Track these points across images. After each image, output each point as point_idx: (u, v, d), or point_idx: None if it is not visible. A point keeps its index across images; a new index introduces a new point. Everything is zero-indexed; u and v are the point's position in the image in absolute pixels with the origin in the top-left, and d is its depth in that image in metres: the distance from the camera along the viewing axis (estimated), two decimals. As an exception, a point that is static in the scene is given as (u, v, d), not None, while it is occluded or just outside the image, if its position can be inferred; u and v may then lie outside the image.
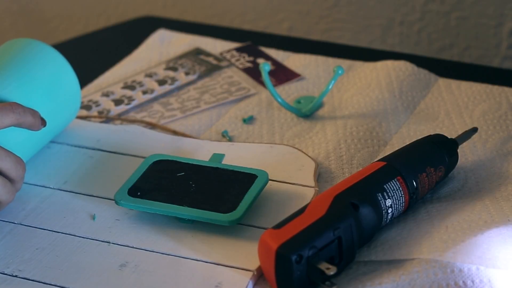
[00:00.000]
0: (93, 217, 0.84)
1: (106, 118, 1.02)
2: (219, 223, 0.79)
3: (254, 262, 0.76)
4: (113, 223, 0.83)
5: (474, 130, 0.89)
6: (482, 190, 0.85)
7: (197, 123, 1.00)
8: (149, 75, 1.11)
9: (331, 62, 1.12)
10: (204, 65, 1.13)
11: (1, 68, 0.88)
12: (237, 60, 1.14)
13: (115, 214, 0.84)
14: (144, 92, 1.07)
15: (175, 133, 0.98)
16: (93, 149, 0.94)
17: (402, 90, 1.03)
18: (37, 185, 0.89)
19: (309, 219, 0.74)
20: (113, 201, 0.84)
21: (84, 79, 1.09)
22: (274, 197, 0.85)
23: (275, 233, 0.74)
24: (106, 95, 1.07)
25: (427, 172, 0.82)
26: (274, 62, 1.13)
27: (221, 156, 0.88)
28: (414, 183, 0.81)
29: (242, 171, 0.85)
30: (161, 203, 0.81)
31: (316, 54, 1.14)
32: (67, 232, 0.82)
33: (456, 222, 0.79)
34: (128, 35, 1.28)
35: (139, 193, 0.82)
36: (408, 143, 0.86)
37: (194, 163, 0.86)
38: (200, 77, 1.10)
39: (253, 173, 0.84)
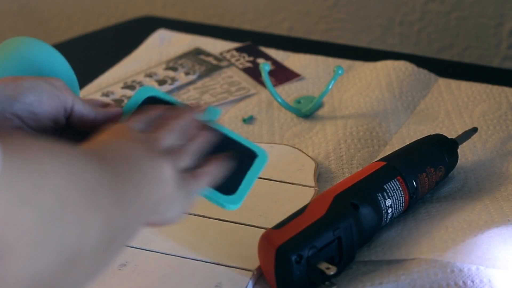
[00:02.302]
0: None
1: (106, 118, 1.01)
2: (217, 204, 0.77)
3: (254, 262, 0.76)
4: (113, 223, 0.83)
5: (474, 130, 0.89)
6: (482, 190, 0.85)
7: (197, 123, 1.00)
8: (149, 75, 1.11)
9: (331, 62, 1.12)
10: (204, 65, 1.13)
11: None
12: (237, 60, 1.14)
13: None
14: (144, 92, 1.07)
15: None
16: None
17: (402, 90, 1.03)
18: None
19: (309, 219, 0.74)
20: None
21: (84, 79, 1.09)
22: (274, 197, 0.85)
23: (275, 233, 0.74)
24: (106, 95, 1.07)
25: (427, 172, 0.82)
26: (274, 62, 1.13)
27: (217, 111, 0.80)
28: (414, 183, 0.80)
29: (241, 142, 0.79)
30: None
31: (316, 54, 1.14)
32: (67, 232, 0.82)
33: (456, 222, 0.79)
34: (128, 35, 1.28)
35: None
36: (408, 143, 0.86)
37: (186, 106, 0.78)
38: (200, 77, 1.10)
39: (253, 149, 0.80)
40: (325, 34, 1.48)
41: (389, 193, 0.79)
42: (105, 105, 0.74)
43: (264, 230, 0.75)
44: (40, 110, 0.69)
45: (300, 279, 0.72)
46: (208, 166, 0.68)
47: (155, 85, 1.08)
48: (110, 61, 1.16)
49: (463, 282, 0.71)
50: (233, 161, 0.75)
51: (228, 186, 0.75)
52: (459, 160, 0.86)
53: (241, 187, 0.75)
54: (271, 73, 1.09)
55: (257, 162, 0.79)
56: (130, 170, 0.59)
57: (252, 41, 1.19)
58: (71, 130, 0.72)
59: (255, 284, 0.76)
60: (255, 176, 0.77)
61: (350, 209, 0.76)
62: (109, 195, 0.56)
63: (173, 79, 1.10)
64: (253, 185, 0.76)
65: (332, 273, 0.71)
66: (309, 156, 0.90)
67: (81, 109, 0.71)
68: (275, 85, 1.07)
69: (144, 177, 0.60)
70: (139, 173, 0.60)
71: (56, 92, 0.70)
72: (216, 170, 0.69)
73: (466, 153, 0.91)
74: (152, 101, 0.77)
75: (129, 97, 1.06)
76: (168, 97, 0.79)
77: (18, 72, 0.89)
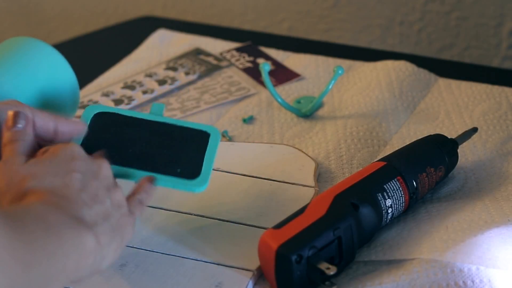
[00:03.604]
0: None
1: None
2: (186, 190, 0.77)
3: (254, 262, 0.76)
4: (113, 223, 0.83)
5: (474, 130, 0.89)
6: (482, 190, 0.85)
7: (197, 123, 1.00)
8: (149, 75, 1.11)
9: (331, 62, 1.12)
10: (204, 65, 1.13)
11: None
12: (237, 60, 1.14)
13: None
14: (144, 92, 1.07)
15: (175, 133, 0.98)
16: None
17: (402, 90, 1.03)
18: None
19: (309, 219, 0.74)
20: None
21: (84, 79, 1.09)
22: (274, 197, 0.85)
23: (275, 233, 0.74)
24: (106, 95, 1.07)
25: (427, 172, 0.82)
26: (274, 62, 1.13)
27: (161, 106, 0.84)
28: (414, 183, 0.80)
29: (191, 127, 0.81)
30: (120, 167, 0.76)
31: (316, 54, 1.14)
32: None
33: (456, 222, 0.79)
34: (128, 35, 1.27)
35: (89, 153, 0.76)
36: (408, 143, 0.86)
37: (139, 117, 0.82)
38: (200, 77, 1.10)
39: (204, 130, 0.81)
40: (325, 34, 1.48)
41: (389, 193, 0.79)
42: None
43: (264, 230, 0.75)
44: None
45: (300, 279, 0.72)
46: (140, 193, 0.73)
47: (155, 85, 1.08)
48: (110, 61, 1.16)
49: (463, 282, 0.71)
50: (189, 147, 0.78)
51: (191, 170, 0.77)
52: (459, 160, 0.86)
53: (203, 168, 0.78)
54: (271, 73, 1.09)
55: (211, 140, 0.80)
56: (47, 239, 0.62)
57: (252, 41, 1.19)
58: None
59: (255, 284, 0.76)
60: (213, 154, 0.79)
61: (350, 209, 0.76)
62: (14, 262, 0.59)
63: (173, 79, 1.10)
64: (214, 162, 0.78)
65: (332, 273, 0.71)
66: (309, 156, 0.90)
67: (41, 122, 0.74)
68: (275, 85, 1.07)
69: (62, 246, 0.63)
70: (57, 242, 0.62)
71: (19, 107, 0.73)
72: (148, 194, 0.74)
73: (466, 153, 0.91)
74: (102, 116, 0.81)
75: (129, 97, 1.06)
76: (116, 110, 0.82)
77: (18, 72, 0.89)
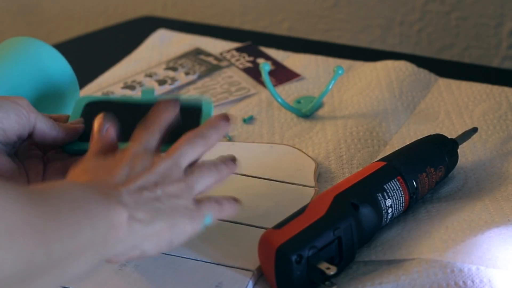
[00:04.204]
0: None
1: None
2: None
3: (254, 262, 0.76)
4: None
5: (474, 130, 0.89)
6: (482, 190, 0.85)
7: (197, 123, 1.00)
8: (149, 75, 1.11)
9: (331, 62, 1.12)
10: (204, 65, 1.13)
11: None
12: (237, 60, 1.14)
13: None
14: (144, 92, 1.07)
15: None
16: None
17: (402, 90, 1.03)
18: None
19: (309, 219, 0.74)
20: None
21: (84, 79, 1.09)
22: (274, 197, 0.85)
23: (275, 233, 0.74)
24: (106, 95, 1.07)
25: (427, 172, 0.82)
26: (274, 62, 1.13)
27: (152, 90, 0.83)
28: (414, 183, 0.81)
29: (183, 104, 0.78)
30: None
31: (316, 54, 1.14)
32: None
33: (456, 222, 0.79)
34: (128, 35, 1.28)
35: (87, 139, 0.77)
36: (408, 143, 0.86)
37: (129, 101, 0.82)
38: (200, 77, 1.10)
39: (196, 104, 0.80)
40: (325, 34, 1.48)
41: (389, 193, 0.79)
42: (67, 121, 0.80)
43: (264, 230, 0.75)
44: (8, 125, 0.75)
45: (300, 279, 0.72)
46: (220, 198, 0.72)
47: (155, 85, 1.08)
48: (110, 61, 1.16)
49: (463, 282, 0.71)
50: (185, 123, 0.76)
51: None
52: (459, 160, 0.86)
53: None
54: (271, 73, 1.09)
55: (204, 113, 0.80)
56: (72, 211, 0.61)
57: (252, 41, 1.19)
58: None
59: (255, 284, 0.76)
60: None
61: (350, 209, 0.76)
62: (33, 234, 0.58)
63: (173, 79, 1.10)
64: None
65: (332, 273, 0.71)
66: (309, 156, 0.90)
67: (43, 127, 0.76)
68: (275, 85, 1.07)
69: (89, 217, 0.61)
70: (82, 214, 0.61)
71: (22, 110, 0.75)
72: (229, 209, 0.72)
73: (466, 153, 0.91)
74: (93, 106, 0.81)
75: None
76: (106, 98, 0.82)
77: (18, 72, 0.89)
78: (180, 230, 0.67)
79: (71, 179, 0.69)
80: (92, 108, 0.81)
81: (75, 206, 0.61)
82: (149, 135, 0.71)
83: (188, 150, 0.70)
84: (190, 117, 0.79)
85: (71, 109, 0.93)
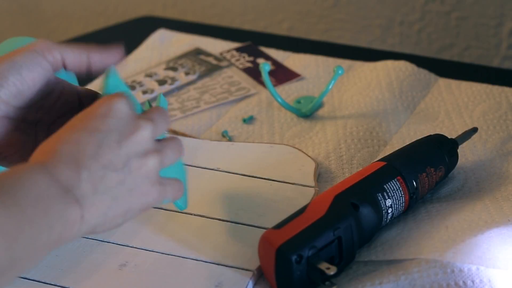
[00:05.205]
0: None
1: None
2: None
3: (254, 262, 0.76)
4: (113, 223, 0.83)
5: (474, 130, 0.89)
6: (482, 190, 0.85)
7: (197, 123, 1.00)
8: (149, 75, 1.11)
9: (331, 62, 1.12)
10: (204, 65, 1.13)
11: None
12: (237, 60, 1.14)
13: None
14: (144, 92, 1.07)
15: (175, 133, 0.98)
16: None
17: (402, 90, 1.03)
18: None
19: (309, 219, 0.74)
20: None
21: (84, 79, 1.09)
22: (274, 197, 0.85)
23: (275, 233, 0.74)
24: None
25: (427, 172, 0.82)
26: (274, 62, 1.13)
27: (112, 72, 0.72)
28: (414, 183, 0.80)
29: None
30: None
31: (316, 54, 1.14)
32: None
33: (456, 222, 0.79)
34: (128, 35, 1.28)
35: None
36: (408, 143, 0.86)
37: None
38: (200, 77, 1.10)
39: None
40: (325, 34, 1.48)
41: (389, 193, 0.79)
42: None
43: (264, 230, 0.75)
44: (25, 87, 0.67)
45: (300, 279, 0.72)
46: (173, 183, 0.68)
47: (155, 85, 1.08)
48: (110, 61, 1.16)
49: (463, 282, 0.71)
50: None
51: None
52: (459, 160, 0.86)
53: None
54: (271, 73, 1.09)
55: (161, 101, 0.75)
56: (34, 212, 0.60)
57: (252, 41, 1.19)
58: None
59: (255, 284, 0.76)
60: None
61: (350, 209, 0.76)
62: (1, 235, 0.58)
63: (173, 79, 1.10)
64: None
65: (332, 273, 0.71)
66: (309, 156, 0.90)
67: (71, 57, 0.68)
68: (275, 85, 1.07)
69: (48, 219, 0.60)
70: (43, 215, 0.60)
71: (37, 60, 0.67)
72: (178, 190, 0.69)
73: (466, 153, 0.91)
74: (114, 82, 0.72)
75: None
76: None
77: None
78: (135, 214, 0.65)
79: (48, 144, 0.63)
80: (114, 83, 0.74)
81: (37, 205, 0.60)
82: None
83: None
84: None
85: None
